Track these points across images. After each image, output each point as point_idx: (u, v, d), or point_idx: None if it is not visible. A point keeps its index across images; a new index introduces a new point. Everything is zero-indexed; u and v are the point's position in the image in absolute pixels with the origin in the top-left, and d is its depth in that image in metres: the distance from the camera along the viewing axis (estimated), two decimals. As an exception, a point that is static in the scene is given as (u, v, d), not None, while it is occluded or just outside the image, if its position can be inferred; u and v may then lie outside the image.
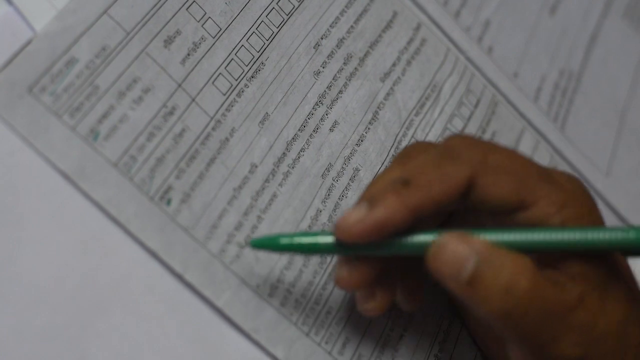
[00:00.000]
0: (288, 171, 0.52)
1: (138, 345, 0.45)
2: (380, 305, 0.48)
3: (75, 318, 0.44)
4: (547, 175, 0.47)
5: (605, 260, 0.47)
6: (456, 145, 0.46)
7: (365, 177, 0.55)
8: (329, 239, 0.46)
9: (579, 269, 0.46)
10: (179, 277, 0.47)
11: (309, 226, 0.52)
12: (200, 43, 0.52)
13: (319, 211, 0.53)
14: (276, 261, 0.50)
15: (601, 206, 0.67)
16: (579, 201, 0.47)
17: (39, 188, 0.45)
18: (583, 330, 0.45)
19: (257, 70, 0.54)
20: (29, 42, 0.46)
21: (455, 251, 0.44)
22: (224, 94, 0.52)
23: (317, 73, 0.56)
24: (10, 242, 0.44)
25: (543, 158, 0.65)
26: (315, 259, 0.51)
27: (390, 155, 0.57)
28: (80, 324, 0.44)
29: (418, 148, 0.49)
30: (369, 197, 0.45)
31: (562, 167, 0.66)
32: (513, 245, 0.45)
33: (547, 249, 0.46)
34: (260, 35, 0.54)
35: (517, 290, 0.44)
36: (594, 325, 0.45)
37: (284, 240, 0.46)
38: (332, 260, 0.52)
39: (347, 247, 0.45)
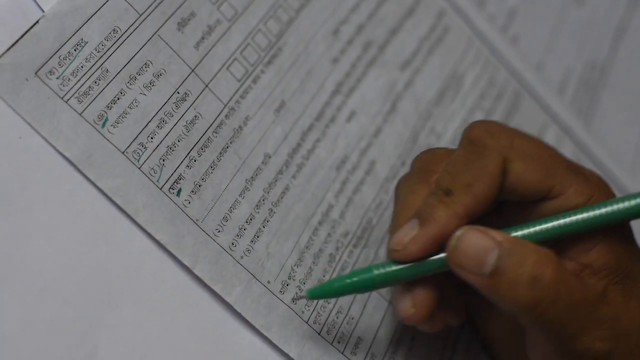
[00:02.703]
0: (302, 163, 0.51)
1: (149, 339, 0.44)
2: (438, 325, 0.47)
3: (84, 310, 0.43)
4: (574, 166, 0.46)
5: (628, 253, 0.46)
6: (479, 136, 0.45)
7: (382, 171, 0.53)
8: (384, 272, 0.45)
9: (602, 261, 0.45)
10: (191, 270, 0.45)
11: (319, 222, 0.50)
12: (215, 26, 0.50)
13: (331, 207, 0.51)
14: (286, 257, 0.48)
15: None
16: (605, 193, 0.46)
17: (47, 174, 0.43)
18: (608, 325, 0.44)
19: (273, 56, 0.52)
20: (36, 23, 0.44)
21: (477, 244, 0.43)
22: (239, 80, 0.50)
23: (336, 60, 0.54)
24: (17, 231, 0.42)
25: (566, 153, 0.63)
26: (325, 258, 0.50)
27: (407, 149, 0.55)
28: (90, 317, 0.43)
29: (436, 154, 0.48)
30: (417, 213, 0.44)
31: (586, 162, 0.64)
32: (537, 236, 0.45)
33: (573, 231, 0.45)
34: (278, 19, 0.52)
35: (543, 279, 0.42)
36: (617, 320, 0.44)
37: (338, 284, 0.45)
38: (340, 259, 0.50)
39: (399, 275, 0.45)
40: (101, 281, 0.43)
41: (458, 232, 0.43)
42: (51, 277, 0.42)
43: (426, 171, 0.47)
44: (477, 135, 0.45)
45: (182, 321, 0.45)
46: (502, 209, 0.46)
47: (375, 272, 0.45)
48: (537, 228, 0.45)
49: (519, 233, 0.45)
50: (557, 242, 0.45)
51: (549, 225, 0.45)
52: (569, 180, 0.45)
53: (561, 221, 0.45)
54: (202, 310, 0.46)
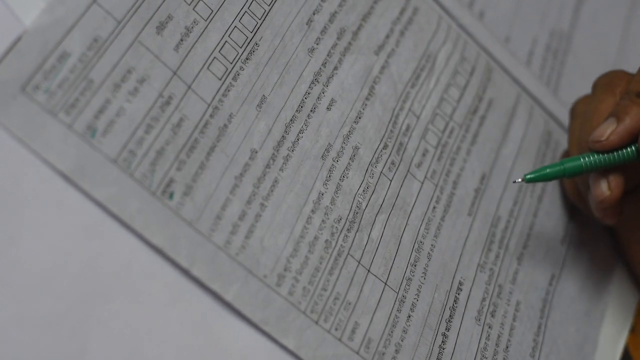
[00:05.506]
0: (288, 155, 0.51)
1: (139, 334, 0.45)
2: (615, 217, 0.55)
3: (75, 306, 0.43)
4: None
5: None
6: None
7: (366, 155, 0.54)
8: (589, 159, 0.54)
9: None
10: (183, 268, 0.46)
11: (312, 210, 0.51)
12: (192, 27, 0.50)
13: (321, 194, 0.52)
14: (282, 249, 0.49)
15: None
16: None
17: (38, 172, 0.44)
18: None
19: (251, 52, 0.52)
20: (19, 39, 0.44)
21: None
22: (220, 79, 0.50)
23: (312, 50, 0.55)
24: (8, 228, 0.43)
25: (538, 123, 0.64)
26: (321, 245, 0.51)
27: (388, 132, 0.56)
28: (81, 312, 0.43)
29: (618, 73, 0.57)
30: (613, 113, 0.53)
31: (557, 131, 0.65)
32: None
33: None
34: (252, 14, 0.53)
35: None
36: None
37: (551, 170, 0.54)
38: (336, 245, 0.51)
39: (601, 162, 0.54)
40: (92, 276, 0.44)
41: None
42: (42, 273, 0.43)
43: (611, 85, 0.56)
44: None
45: (172, 316, 0.46)
46: None
47: (582, 160, 0.54)
48: None
49: None
50: None
51: None
52: None
53: None
54: (193, 306, 0.46)
